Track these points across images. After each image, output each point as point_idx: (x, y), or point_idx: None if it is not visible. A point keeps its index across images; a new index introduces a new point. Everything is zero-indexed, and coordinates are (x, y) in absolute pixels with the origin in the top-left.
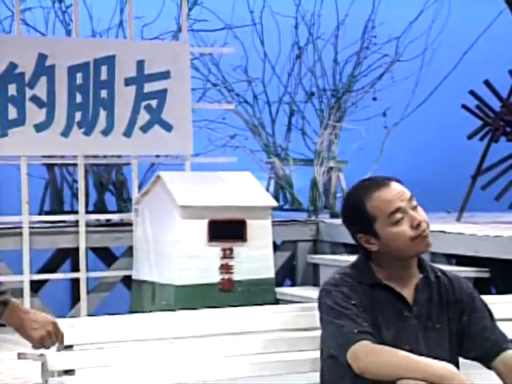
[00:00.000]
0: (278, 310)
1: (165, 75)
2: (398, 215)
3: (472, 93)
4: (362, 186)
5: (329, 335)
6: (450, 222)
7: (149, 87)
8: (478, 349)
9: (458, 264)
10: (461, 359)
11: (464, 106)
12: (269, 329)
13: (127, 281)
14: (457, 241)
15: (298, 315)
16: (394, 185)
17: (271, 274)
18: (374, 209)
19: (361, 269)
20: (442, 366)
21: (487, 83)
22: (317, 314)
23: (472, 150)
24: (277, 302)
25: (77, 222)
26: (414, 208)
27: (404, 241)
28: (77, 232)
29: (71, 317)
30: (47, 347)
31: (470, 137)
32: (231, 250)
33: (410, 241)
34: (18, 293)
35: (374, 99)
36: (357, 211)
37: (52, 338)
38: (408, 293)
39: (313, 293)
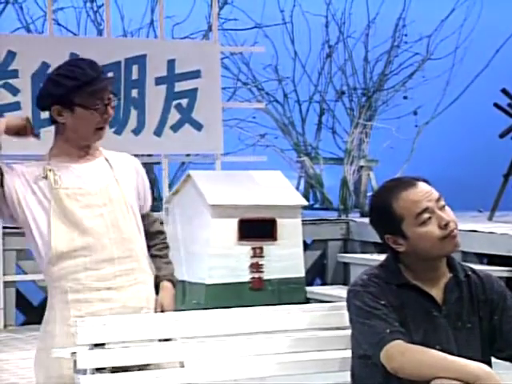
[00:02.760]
0: (307, 308)
1: (195, 74)
2: (426, 215)
3: (504, 91)
4: (389, 186)
5: (360, 335)
6: (482, 221)
7: (179, 86)
8: (509, 348)
9: (490, 263)
10: (493, 359)
11: (496, 105)
12: (298, 328)
13: None
14: (488, 240)
15: (328, 314)
16: (422, 185)
17: (301, 273)
18: (402, 209)
19: (388, 269)
20: (477, 366)
21: None
22: (347, 313)
23: (504, 149)
24: (307, 300)
25: None
26: (442, 208)
27: (432, 241)
28: None
29: None
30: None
31: (502, 135)
32: (261, 248)
33: (438, 241)
34: None
35: (405, 98)
36: (384, 212)
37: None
38: (437, 292)
39: (343, 292)
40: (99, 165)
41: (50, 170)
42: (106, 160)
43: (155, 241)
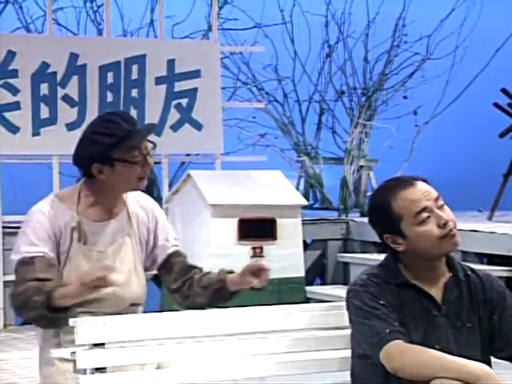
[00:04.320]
0: (307, 308)
1: (195, 74)
2: (424, 214)
3: (504, 91)
4: (388, 185)
5: (360, 335)
6: (482, 220)
7: (179, 86)
8: (509, 348)
9: (490, 263)
10: (493, 359)
11: (496, 104)
12: (298, 327)
13: (158, 279)
14: (488, 240)
15: (327, 314)
16: (420, 184)
17: (301, 273)
18: (400, 208)
19: (388, 269)
20: (477, 366)
21: None
22: (346, 312)
23: (504, 149)
24: (307, 300)
25: None
26: (441, 207)
27: (431, 240)
28: None
29: None
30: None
31: (501, 135)
32: (261, 248)
33: (437, 240)
34: None
35: (405, 98)
36: (383, 211)
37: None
38: (436, 292)
39: (343, 292)
40: (119, 222)
41: (78, 223)
42: (128, 214)
43: (194, 270)
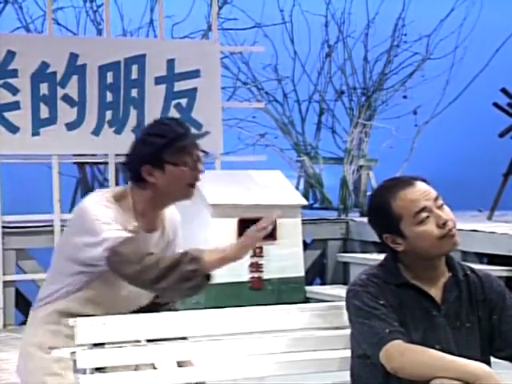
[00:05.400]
0: (306, 308)
1: (195, 74)
2: (424, 214)
3: (504, 90)
4: (387, 185)
5: (360, 335)
6: (482, 220)
7: (179, 86)
8: (509, 348)
9: (490, 263)
10: (493, 359)
11: (495, 104)
12: (297, 327)
13: None
14: (488, 240)
15: (327, 314)
16: (420, 184)
17: (301, 273)
18: (400, 208)
19: (388, 269)
20: (477, 366)
21: None
22: (345, 312)
23: (503, 148)
24: (307, 300)
25: None
26: (440, 207)
27: (430, 240)
28: None
29: None
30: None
31: (501, 135)
32: (261, 248)
33: (436, 240)
34: None
35: (405, 97)
36: (382, 211)
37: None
38: (436, 292)
39: (343, 291)
40: (155, 237)
41: (136, 230)
42: (162, 229)
43: None
